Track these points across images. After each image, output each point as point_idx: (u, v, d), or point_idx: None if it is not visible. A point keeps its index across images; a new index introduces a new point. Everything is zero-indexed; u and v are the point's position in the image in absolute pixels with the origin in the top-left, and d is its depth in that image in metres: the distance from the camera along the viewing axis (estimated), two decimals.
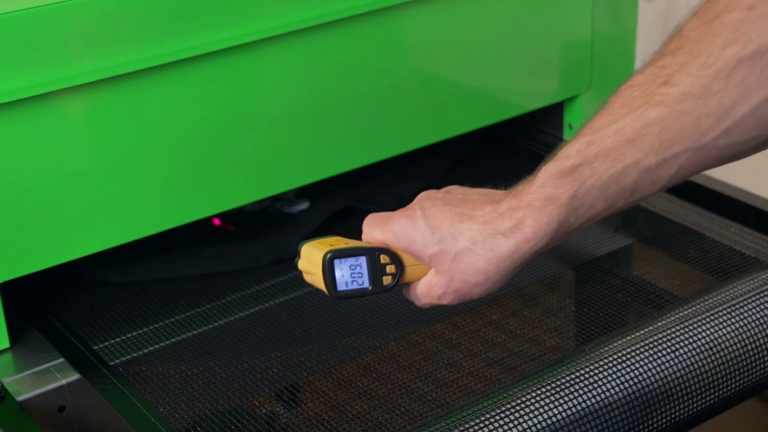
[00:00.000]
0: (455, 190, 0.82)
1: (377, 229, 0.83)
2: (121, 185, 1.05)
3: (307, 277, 0.85)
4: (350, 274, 0.82)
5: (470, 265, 0.77)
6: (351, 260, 0.82)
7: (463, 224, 0.78)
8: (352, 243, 0.84)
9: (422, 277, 0.82)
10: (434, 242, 0.79)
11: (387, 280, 0.82)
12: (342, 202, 1.26)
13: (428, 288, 0.81)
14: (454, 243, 0.78)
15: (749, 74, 0.69)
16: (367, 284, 0.82)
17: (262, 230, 1.22)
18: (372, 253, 0.82)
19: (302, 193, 1.28)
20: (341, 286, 0.82)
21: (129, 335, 1.10)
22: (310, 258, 0.84)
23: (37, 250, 1.03)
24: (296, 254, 0.87)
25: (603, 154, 0.73)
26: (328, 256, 0.81)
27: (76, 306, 1.15)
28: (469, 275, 0.78)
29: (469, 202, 0.79)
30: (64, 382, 1.00)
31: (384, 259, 0.82)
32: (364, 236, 0.85)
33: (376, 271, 0.82)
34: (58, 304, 1.15)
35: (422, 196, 0.82)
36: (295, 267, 0.88)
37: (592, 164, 0.73)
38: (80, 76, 0.99)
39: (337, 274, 0.82)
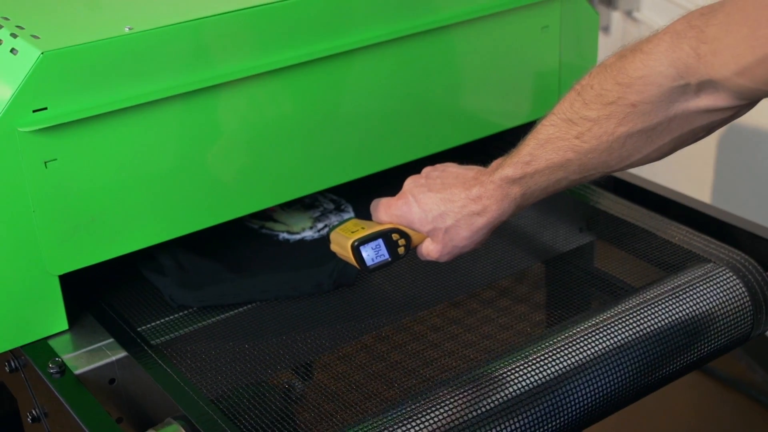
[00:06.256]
0: (432, 174, 1.01)
1: (382, 213, 1.02)
2: (161, 193, 1.09)
3: (340, 257, 1.03)
4: (374, 253, 1.00)
5: (458, 235, 0.98)
6: (372, 243, 1.00)
7: (446, 206, 0.98)
8: (367, 226, 1.01)
9: (423, 241, 1.01)
10: (428, 221, 0.99)
11: (401, 250, 1.01)
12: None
13: (428, 252, 1.01)
14: (443, 221, 0.98)
15: (639, 140, 0.88)
16: (387, 257, 1.00)
17: (325, 258, 1.19)
18: (386, 235, 1.00)
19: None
20: (369, 262, 1.00)
21: (168, 318, 1.14)
22: (339, 244, 1.02)
23: (91, 246, 1.06)
24: (328, 240, 1.04)
25: (539, 172, 0.94)
26: (355, 244, 0.99)
27: (123, 294, 1.18)
28: (458, 241, 0.99)
29: (447, 188, 0.98)
30: (113, 358, 1.05)
31: (395, 236, 1.00)
32: (373, 217, 1.03)
33: (391, 246, 1.00)
34: (108, 292, 1.18)
35: (410, 184, 1.01)
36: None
37: (533, 177, 0.95)
38: (128, 99, 1.02)
39: (364, 255, 1.00)
